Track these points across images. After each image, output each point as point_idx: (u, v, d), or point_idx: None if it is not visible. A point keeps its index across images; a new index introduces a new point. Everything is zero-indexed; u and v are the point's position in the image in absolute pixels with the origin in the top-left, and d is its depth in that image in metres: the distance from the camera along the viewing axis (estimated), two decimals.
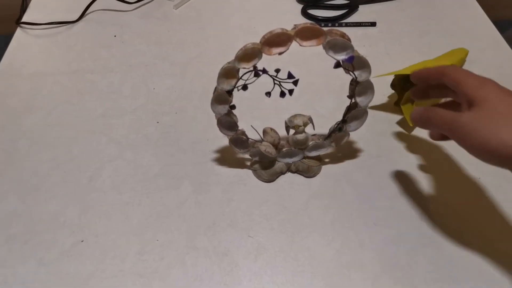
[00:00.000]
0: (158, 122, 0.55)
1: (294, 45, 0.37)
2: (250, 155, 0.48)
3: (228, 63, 0.38)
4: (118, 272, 0.41)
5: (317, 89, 0.58)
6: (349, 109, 0.44)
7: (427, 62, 0.54)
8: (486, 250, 0.42)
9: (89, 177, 0.49)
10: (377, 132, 0.53)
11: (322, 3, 0.71)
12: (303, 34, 0.37)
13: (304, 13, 0.69)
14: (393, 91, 0.56)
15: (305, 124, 0.45)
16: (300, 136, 0.45)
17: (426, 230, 0.44)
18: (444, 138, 0.41)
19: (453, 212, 0.45)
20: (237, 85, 0.40)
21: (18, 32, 0.68)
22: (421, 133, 0.52)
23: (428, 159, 0.50)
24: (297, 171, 0.49)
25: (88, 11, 0.70)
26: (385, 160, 0.50)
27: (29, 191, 0.48)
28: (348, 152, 0.51)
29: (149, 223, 0.45)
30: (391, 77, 0.55)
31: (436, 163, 0.49)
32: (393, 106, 0.55)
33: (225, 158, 0.50)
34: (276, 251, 0.42)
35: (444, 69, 0.37)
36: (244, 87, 0.40)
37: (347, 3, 0.71)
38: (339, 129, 0.45)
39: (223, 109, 0.42)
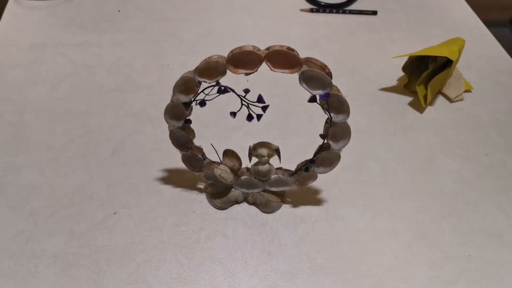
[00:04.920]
0: None
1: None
2: (204, 177, 0.42)
3: (188, 73, 0.33)
4: (158, 243, 0.40)
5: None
6: (320, 149, 0.38)
7: (434, 47, 0.57)
8: (500, 217, 0.46)
9: (112, 151, 0.47)
10: (392, 112, 0.55)
11: None
12: (275, 58, 0.31)
13: None
14: (402, 74, 0.59)
15: (269, 155, 0.39)
16: (262, 167, 0.40)
17: (447, 200, 0.47)
18: None
19: (468, 183, 0.48)
20: (196, 99, 0.35)
21: (11, 3, 0.64)
22: (433, 113, 0.55)
23: (442, 137, 0.53)
24: (254, 204, 0.44)
25: None
26: (401, 137, 0.52)
27: (46, 165, 0.46)
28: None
29: (183, 196, 0.44)
30: (401, 61, 0.58)
31: (448, 141, 0.53)
32: (402, 88, 0.58)
33: None
34: (313, 221, 0.43)
35: None
36: (202, 103, 0.35)
37: None
38: (306, 169, 0.39)
39: (177, 122, 0.37)
